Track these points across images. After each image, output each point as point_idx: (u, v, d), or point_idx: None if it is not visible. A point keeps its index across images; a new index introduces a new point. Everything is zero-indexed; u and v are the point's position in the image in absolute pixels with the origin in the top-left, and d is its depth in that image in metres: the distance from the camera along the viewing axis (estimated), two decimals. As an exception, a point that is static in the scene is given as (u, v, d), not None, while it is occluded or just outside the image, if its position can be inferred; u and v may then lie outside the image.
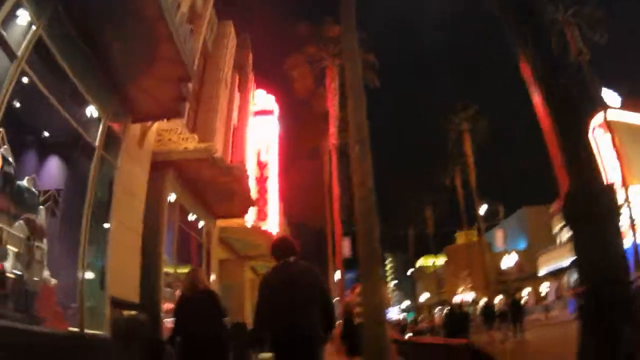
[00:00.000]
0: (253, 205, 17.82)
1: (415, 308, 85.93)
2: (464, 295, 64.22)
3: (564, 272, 44.09)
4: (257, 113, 26.88)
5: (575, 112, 5.70)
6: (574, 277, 41.50)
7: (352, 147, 11.60)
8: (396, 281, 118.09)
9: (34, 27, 6.63)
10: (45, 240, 7.52)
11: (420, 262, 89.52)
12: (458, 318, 24.43)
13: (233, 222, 18.89)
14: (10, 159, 6.99)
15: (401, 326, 40.03)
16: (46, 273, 7.45)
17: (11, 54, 6.25)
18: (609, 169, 32.67)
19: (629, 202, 29.45)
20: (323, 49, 34.32)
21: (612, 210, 5.32)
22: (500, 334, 25.04)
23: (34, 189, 7.89)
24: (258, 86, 27.98)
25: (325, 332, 5.48)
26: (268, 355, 6.19)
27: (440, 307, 74.92)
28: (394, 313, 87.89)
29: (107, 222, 9.26)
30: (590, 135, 35.17)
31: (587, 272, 5.36)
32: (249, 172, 17.57)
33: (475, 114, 49.98)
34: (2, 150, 6.79)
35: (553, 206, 48.76)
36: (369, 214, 10.96)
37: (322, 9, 35.07)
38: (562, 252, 42.86)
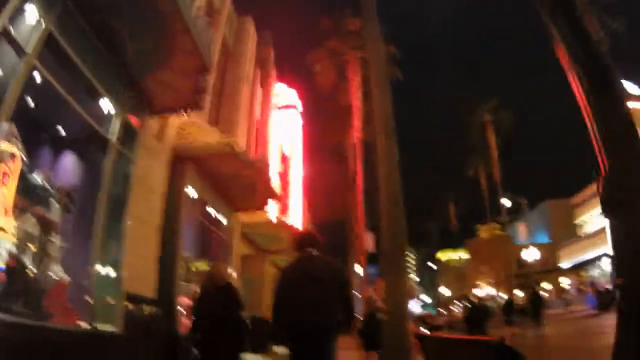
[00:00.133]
0: (274, 197, 17.68)
1: (437, 303, 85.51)
2: (485, 290, 63.84)
3: (585, 265, 43.69)
4: (280, 107, 26.73)
5: (615, 94, 5.49)
6: (596, 271, 41.36)
7: (378, 138, 11.41)
8: (418, 276, 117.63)
9: (43, 23, 6.53)
10: (57, 236, 7.42)
11: (442, 256, 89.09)
12: (478, 312, 24.22)
13: (256, 216, 18.75)
14: (23, 155, 6.89)
15: (423, 321, 39.76)
16: (58, 269, 7.37)
17: (20, 51, 6.16)
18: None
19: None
20: (345, 42, 33.98)
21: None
22: (520, 329, 24.73)
23: (47, 185, 7.78)
24: (280, 81, 27.83)
25: (345, 325, 5.49)
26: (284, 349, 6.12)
27: (456, 302, 74.63)
28: (416, 307, 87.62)
29: (123, 217, 9.13)
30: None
31: (627, 264, 5.13)
32: (271, 165, 17.45)
33: (497, 105, 49.57)
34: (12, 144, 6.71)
35: (577, 197, 48.23)
36: (395, 206, 10.81)
37: (342, 2, 34.75)
38: (584, 245, 42.44)
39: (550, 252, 52.54)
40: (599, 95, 5.51)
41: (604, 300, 31.03)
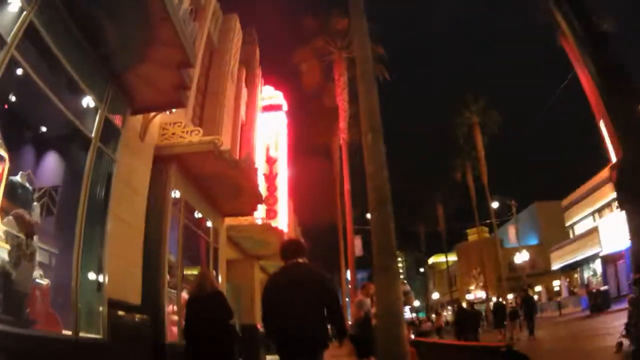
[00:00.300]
0: (261, 202, 17.34)
1: (427, 307, 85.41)
2: (475, 293, 63.86)
3: (576, 267, 43.68)
4: (266, 108, 26.38)
5: (626, 81, 5.18)
6: (587, 272, 41.35)
7: (365, 135, 11.15)
8: (407, 280, 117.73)
9: (24, 13, 6.17)
10: (36, 238, 7.01)
11: (432, 260, 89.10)
12: (469, 316, 24.03)
13: (242, 219, 18.37)
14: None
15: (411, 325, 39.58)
16: (38, 273, 6.99)
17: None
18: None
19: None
20: (331, 42, 33.86)
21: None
22: (510, 333, 24.61)
23: (28, 185, 7.43)
24: (266, 82, 27.51)
25: (337, 333, 5.71)
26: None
27: (445, 306, 74.63)
28: (406, 311, 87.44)
29: (105, 218, 8.74)
30: (601, 125, 34.62)
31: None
32: (257, 168, 17.11)
33: (485, 105, 49.59)
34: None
35: (567, 198, 48.27)
36: (384, 204, 10.46)
37: (328, 1, 34.56)
38: (575, 247, 42.41)
39: (540, 254, 52.65)
40: (611, 88, 5.23)
41: (596, 302, 30.98)
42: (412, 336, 24.15)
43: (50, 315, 7.07)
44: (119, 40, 8.10)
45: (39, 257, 7.23)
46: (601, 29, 5.66)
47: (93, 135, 8.39)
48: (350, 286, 34.00)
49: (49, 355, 6.45)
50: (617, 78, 5.22)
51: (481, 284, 60.72)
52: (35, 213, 7.38)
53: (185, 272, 13.25)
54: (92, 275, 8.32)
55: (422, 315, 73.34)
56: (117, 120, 9.32)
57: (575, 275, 45.47)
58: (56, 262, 7.77)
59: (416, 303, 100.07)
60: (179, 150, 12.07)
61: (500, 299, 34.66)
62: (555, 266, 47.09)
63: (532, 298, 26.74)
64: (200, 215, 14.73)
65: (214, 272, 14.82)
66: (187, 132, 12.33)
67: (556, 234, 49.86)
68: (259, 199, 16.65)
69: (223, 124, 17.37)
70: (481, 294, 59.18)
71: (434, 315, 42.67)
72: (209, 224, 15.56)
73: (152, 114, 10.98)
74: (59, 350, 6.78)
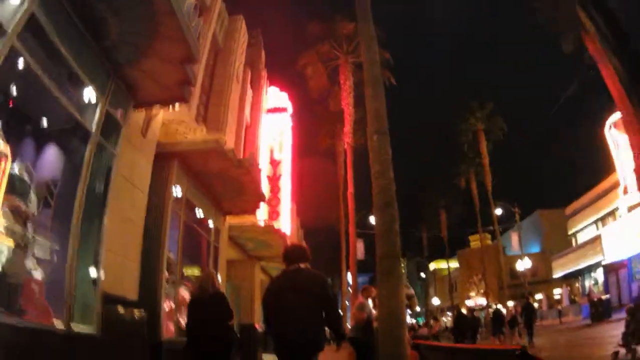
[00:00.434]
0: (264, 200, 17.28)
1: (426, 312, 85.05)
2: (476, 300, 63.62)
3: (578, 276, 43.53)
4: (271, 110, 26.40)
5: None
6: (589, 281, 41.17)
7: (370, 136, 11.14)
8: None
9: (26, 3, 6.07)
10: (30, 228, 7.01)
11: (434, 265, 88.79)
12: (467, 322, 23.94)
13: (244, 220, 18.34)
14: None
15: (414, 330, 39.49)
16: (31, 263, 6.93)
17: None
18: (626, 169, 32.29)
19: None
20: (336, 47, 33.93)
21: None
22: (510, 340, 24.54)
23: (26, 177, 7.35)
24: (271, 83, 27.45)
25: (335, 336, 5.88)
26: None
27: (446, 312, 74.28)
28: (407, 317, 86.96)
29: (103, 213, 8.65)
30: (607, 134, 34.59)
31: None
32: (261, 168, 17.08)
33: (490, 112, 49.44)
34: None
35: (570, 207, 48.08)
36: (389, 205, 10.44)
37: (334, 5, 34.69)
38: (577, 255, 42.29)
39: (542, 262, 52.45)
40: (635, 79, 5.23)
41: (597, 311, 30.87)
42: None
43: (43, 307, 6.97)
44: (122, 34, 8.02)
45: (39, 253, 7.21)
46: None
47: (94, 128, 8.32)
48: (351, 290, 33.89)
49: (40, 348, 6.37)
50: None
51: (482, 290, 60.43)
52: (32, 205, 7.33)
53: (184, 271, 13.18)
54: (87, 269, 8.23)
55: (420, 320, 72.96)
56: (118, 114, 9.23)
57: (577, 284, 45.32)
58: (51, 255, 7.65)
59: (417, 308, 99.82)
60: (182, 148, 12.01)
61: (500, 306, 34.49)
62: (557, 274, 46.95)
63: (532, 305, 26.68)
64: (201, 213, 14.64)
65: (214, 272, 14.75)
66: (191, 129, 12.29)
67: (559, 242, 49.75)
68: (261, 198, 16.62)
69: (227, 124, 17.29)
70: (482, 301, 58.87)
71: (432, 321, 42.54)
72: (210, 222, 15.47)
73: (155, 110, 10.88)
74: (50, 343, 6.70)
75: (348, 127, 32.87)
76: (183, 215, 12.78)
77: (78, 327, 7.50)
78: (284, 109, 27.32)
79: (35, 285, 6.92)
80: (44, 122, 8.33)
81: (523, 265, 46.68)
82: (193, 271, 14.87)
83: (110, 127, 8.93)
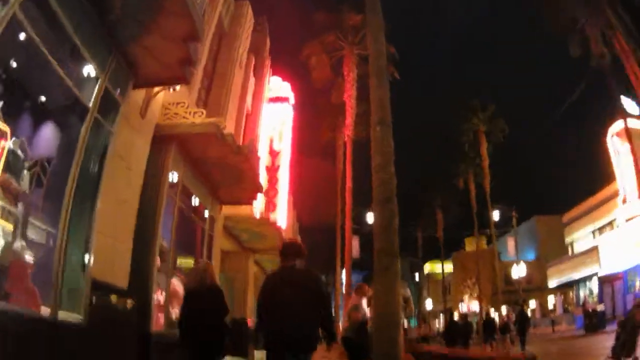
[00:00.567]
0: (261, 190, 17.02)
1: (418, 314, 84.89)
2: (469, 304, 63.41)
3: (573, 285, 43.36)
4: (272, 100, 25.93)
5: None
6: (584, 291, 41.04)
7: (373, 127, 10.96)
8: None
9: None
10: (20, 207, 6.69)
11: (428, 267, 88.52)
12: (459, 329, 23.83)
13: (240, 210, 18.07)
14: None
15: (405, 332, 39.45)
16: (19, 244, 6.59)
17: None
18: (627, 178, 32.18)
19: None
20: (342, 38, 33.81)
21: None
22: (500, 347, 24.50)
23: (20, 153, 7.04)
24: (274, 72, 27.07)
25: (327, 336, 5.97)
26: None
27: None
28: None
29: (96, 194, 8.32)
30: (608, 143, 34.40)
31: None
32: (260, 157, 16.79)
33: (492, 114, 49.21)
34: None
35: (568, 214, 47.88)
36: (389, 201, 10.24)
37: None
38: (574, 264, 42.04)
39: (537, 269, 52.22)
40: None
41: (591, 322, 30.79)
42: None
43: (30, 291, 6.66)
44: (126, 7, 7.69)
45: (29, 234, 6.99)
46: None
47: (91, 104, 8.00)
48: (344, 288, 33.73)
49: (24, 333, 6.06)
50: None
51: (475, 294, 60.13)
52: (24, 183, 7.06)
53: (177, 260, 12.89)
54: (76, 254, 7.91)
55: (412, 321, 72.84)
56: (117, 92, 8.91)
57: (571, 293, 45.13)
58: (42, 236, 7.43)
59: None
60: (181, 131, 11.67)
61: (494, 311, 34.44)
62: (552, 283, 46.64)
63: (526, 313, 26.72)
64: (197, 200, 14.34)
65: (210, 263, 14.50)
66: (190, 112, 11.94)
67: (554, 250, 49.45)
68: (258, 188, 16.34)
69: (228, 110, 16.98)
70: (475, 305, 58.43)
71: (422, 324, 42.65)
72: (206, 210, 15.21)
73: (155, 90, 10.63)
74: (34, 329, 6.40)
75: (350, 120, 32.79)
76: (178, 201, 12.46)
77: (65, 314, 7.21)
78: (285, 99, 26.89)
79: (23, 268, 6.63)
80: (42, 97, 8.03)
81: (518, 272, 46.47)
82: (187, 261, 14.54)
83: (109, 105, 8.61)
